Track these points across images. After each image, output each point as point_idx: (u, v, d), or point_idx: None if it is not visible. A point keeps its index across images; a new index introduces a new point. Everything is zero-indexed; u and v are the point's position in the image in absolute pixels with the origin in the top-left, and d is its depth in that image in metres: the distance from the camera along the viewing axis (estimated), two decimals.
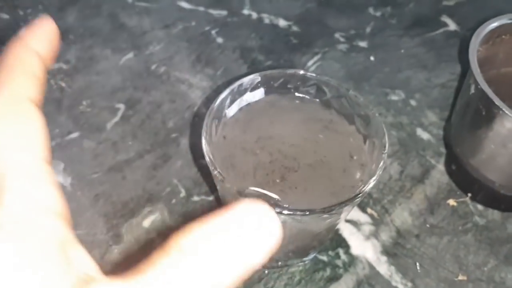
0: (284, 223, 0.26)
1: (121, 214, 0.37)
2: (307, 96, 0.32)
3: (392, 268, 0.35)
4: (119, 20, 0.52)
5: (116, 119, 0.43)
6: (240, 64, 0.48)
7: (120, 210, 0.37)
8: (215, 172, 0.26)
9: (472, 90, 0.34)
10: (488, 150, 0.35)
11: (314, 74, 0.31)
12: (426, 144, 0.42)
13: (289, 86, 0.32)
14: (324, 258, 0.35)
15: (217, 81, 0.46)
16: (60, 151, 0.41)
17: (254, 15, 0.53)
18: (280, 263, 0.34)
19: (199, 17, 0.52)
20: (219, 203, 0.37)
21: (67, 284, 0.14)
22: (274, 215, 0.15)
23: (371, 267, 0.35)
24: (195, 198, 0.38)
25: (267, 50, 0.49)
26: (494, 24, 0.37)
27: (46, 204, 0.15)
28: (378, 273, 0.35)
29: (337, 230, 0.37)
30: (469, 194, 0.39)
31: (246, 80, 0.31)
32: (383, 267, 0.35)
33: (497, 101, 0.31)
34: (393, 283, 0.34)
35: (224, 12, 0.53)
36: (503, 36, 0.38)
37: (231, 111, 0.31)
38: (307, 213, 0.25)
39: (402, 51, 0.50)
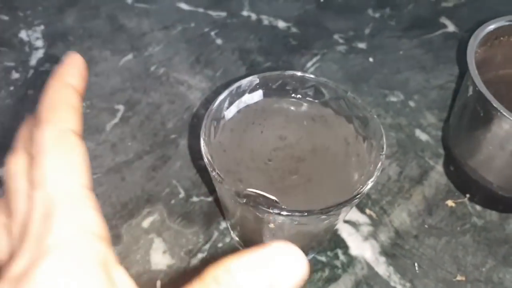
0: (282, 224, 0.27)
1: (120, 215, 0.37)
2: (305, 98, 0.32)
3: (391, 268, 0.35)
4: (118, 21, 0.52)
5: (116, 120, 0.43)
6: (239, 65, 0.48)
7: (120, 211, 0.37)
8: (214, 173, 0.26)
9: (470, 92, 0.34)
10: (486, 152, 0.35)
11: (312, 76, 0.32)
12: (425, 145, 0.42)
13: (287, 88, 0.32)
14: (323, 258, 0.35)
15: (216, 82, 0.46)
16: None
17: (253, 16, 0.53)
18: None
19: (198, 19, 0.53)
20: (218, 204, 0.38)
21: None
22: (303, 256, 0.17)
23: (370, 267, 0.35)
24: (194, 199, 0.38)
25: (266, 52, 0.49)
26: (492, 26, 0.37)
27: (90, 228, 0.16)
28: (376, 273, 0.35)
29: (336, 230, 0.37)
30: (467, 195, 0.39)
31: (244, 82, 0.31)
32: (382, 268, 0.35)
33: (495, 103, 0.32)
34: (392, 284, 0.34)
35: (223, 14, 0.53)
36: (501, 38, 0.38)
37: (229, 113, 0.31)
38: (306, 214, 0.25)
39: (401, 52, 0.50)
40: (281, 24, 0.53)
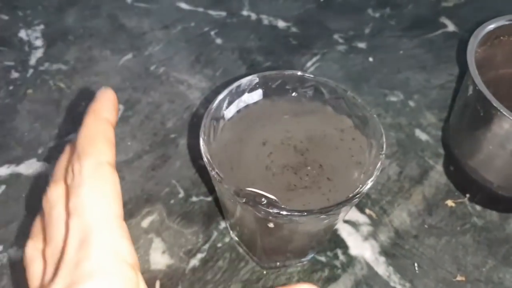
0: (282, 223, 0.27)
1: None
2: (305, 97, 0.32)
3: (391, 268, 0.35)
4: (119, 21, 0.52)
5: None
6: (239, 65, 0.48)
7: None
8: (213, 173, 0.26)
9: (470, 91, 0.34)
10: (486, 151, 0.35)
11: (312, 75, 0.31)
12: (425, 145, 0.42)
13: (287, 87, 0.32)
14: (323, 258, 0.35)
15: (216, 82, 0.46)
16: (59, 151, 0.40)
17: (253, 16, 0.53)
18: (278, 263, 0.34)
19: (198, 18, 0.53)
20: (217, 204, 0.37)
21: None
22: None
23: (370, 267, 0.35)
24: (194, 199, 0.38)
25: (266, 51, 0.49)
26: (492, 26, 0.37)
27: (123, 257, 0.18)
28: (376, 273, 0.35)
29: (336, 230, 0.37)
30: (468, 195, 0.39)
31: (244, 81, 0.31)
32: (382, 268, 0.35)
33: (495, 103, 0.32)
34: (392, 284, 0.34)
35: (223, 13, 0.53)
36: (501, 38, 0.38)
37: (229, 112, 0.31)
38: (305, 213, 0.25)
39: (401, 52, 0.50)
40: (281, 23, 0.53)
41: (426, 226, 0.37)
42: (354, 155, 0.30)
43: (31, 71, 0.47)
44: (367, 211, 0.38)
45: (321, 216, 0.26)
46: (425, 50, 0.50)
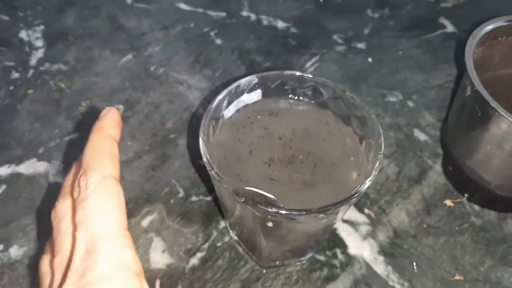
0: (280, 222, 0.27)
1: None
2: (304, 98, 0.32)
3: (389, 268, 0.35)
4: (118, 21, 0.52)
5: None
6: (239, 65, 0.48)
7: None
8: (212, 173, 0.26)
9: (468, 92, 0.35)
10: (484, 151, 0.35)
11: (311, 76, 0.32)
12: (423, 145, 0.43)
13: (286, 87, 0.32)
14: (322, 258, 0.35)
15: (215, 82, 0.46)
16: (59, 151, 0.41)
17: (253, 16, 0.53)
18: (277, 262, 0.34)
19: (197, 19, 0.53)
20: (217, 204, 0.38)
21: None
22: None
23: (368, 267, 0.35)
24: (193, 198, 0.38)
25: (265, 52, 0.50)
26: (490, 26, 0.37)
27: (127, 265, 0.19)
28: (375, 273, 0.35)
29: (334, 230, 0.37)
30: (466, 195, 0.39)
31: (243, 81, 0.31)
32: (380, 267, 0.35)
33: (493, 103, 0.32)
34: (390, 283, 0.34)
35: (222, 14, 0.53)
36: (499, 38, 0.38)
37: (228, 112, 0.31)
38: (304, 212, 0.25)
39: (400, 52, 0.50)
40: (281, 24, 0.53)
41: (424, 225, 0.37)
42: (352, 155, 0.30)
43: (31, 71, 0.47)
44: (366, 210, 0.38)
45: (320, 215, 0.26)
46: (423, 50, 0.50)
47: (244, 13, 0.54)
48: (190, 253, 0.35)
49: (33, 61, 0.48)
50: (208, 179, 0.38)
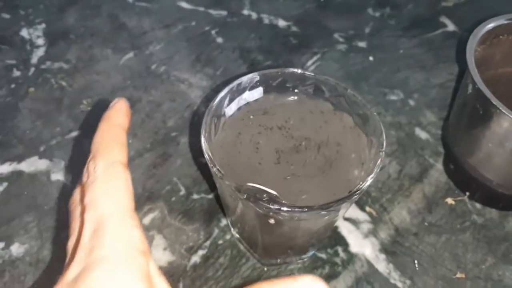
0: (282, 220, 0.27)
1: None
2: (305, 95, 0.32)
3: (391, 266, 0.35)
4: (119, 20, 0.52)
5: None
6: (240, 64, 0.48)
7: None
8: (214, 169, 0.26)
9: (470, 90, 0.35)
10: (486, 149, 0.35)
11: (312, 73, 0.32)
12: (425, 143, 0.43)
13: (287, 85, 0.32)
14: (323, 255, 0.35)
15: (216, 81, 0.47)
16: (60, 149, 0.41)
17: (254, 15, 0.53)
18: (279, 260, 0.34)
19: (199, 17, 0.53)
20: (218, 201, 0.38)
21: None
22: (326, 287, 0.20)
23: (370, 264, 0.35)
24: (195, 196, 0.38)
25: (266, 50, 0.50)
26: (491, 25, 0.37)
27: (134, 244, 0.19)
28: (376, 270, 0.35)
29: (336, 228, 0.37)
30: (467, 193, 0.39)
31: (245, 79, 0.31)
32: (382, 265, 0.35)
33: (494, 101, 0.32)
34: (392, 281, 0.34)
35: (223, 13, 0.53)
36: (501, 37, 0.38)
37: (230, 110, 0.31)
38: (306, 209, 0.25)
39: (401, 51, 0.50)
40: (282, 23, 0.53)
41: (426, 224, 0.37)
42: (354, 152, 0.30)
43: (32, 69, 0.47)
44: (368, 208, 0.38)
45: (322, 212, 0.26)
46: (424, 49, 0.50)
47: (245, 12, 0.54)
48: (192, 251, 0.35)
49: (34, 60, 0.48)
50: (209, 177, 0.38)
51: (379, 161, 0.28)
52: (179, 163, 0.40)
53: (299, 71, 0.32)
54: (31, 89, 0.45)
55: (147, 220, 0.37)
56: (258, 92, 0.32)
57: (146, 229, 0.36)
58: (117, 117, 0.24)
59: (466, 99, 0.36)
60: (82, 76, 0.47)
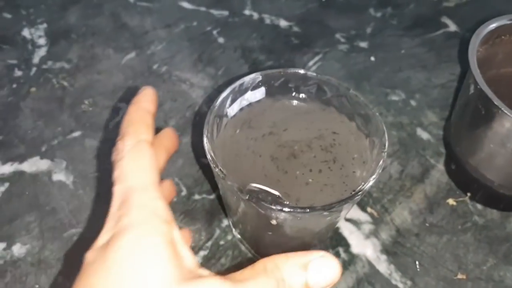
0: (284, 220, 0.27)
1: None
2: (307, 96, 0.32)
3: (392, 266, 0.35)
4: (121, 19, 0.52)
5: (118, 118, 0.43)
6: (241, 64, 0.48)
7: None
8: (217, 170, 0.26)
9: (472, 90, 0.35)
10: (487, 150, 0.35)
11: (314, 74, 0.32)
12: (426, 143, 0.42)
13: (290, 85, 0.32)
14: None
15: (218, 81, 0.46)
16: (62, 149, 0.41)
17: (255, 15, 0.53)
18: None
19: (200, 17, 0.53)
20: (220, 202, 0.38)
21: (177, 272, 0.19)
22: (337, 264, 0.22)
23: (371, 265, 0.35)
24: (196, 197, 0.38)
25: (268, 50, 0.50)
26: (493, 25, 0.37)
27: (158, 213, 0.21)
28: (378, 271, 0.35)
29: (337, 228, 0.37)
30: (469, 194, 0.39)
31: (247, 79, 0.31)
32: (383, 266, 0.35)
33: (496, 101, 0.32)
34: (393, 282, 0.34)
35: (225, 12, 0.53)
36: (503, 37, 0.38)
37: (232, 110, 0.31)
38: (308, 210, 0.25)
39: (403, 51, 0.50)
40: (283, 23, 0.53)
41: (427, 224, 0.37)
42: (356, 153, 0.30)
43: (34, 69, 0.47)
44: (369, 209, 0.38)
45: (324, 213, 0.26)
46: (426, 49, 0.50)
47: (247, 12, 0.54)
48: (193, 251, 0.35)
49: (36, 59, 0.48)
50: (211, 177, 0.38)
51: (381, 162, 0.28)
52: (181, 163, 0.40)
53: (302, 71, 0.32)
54: (33, 89, 0.45)
55: None
56: (260, 93, 0.32)
57: None
58: (144, 102, 0.26)
59: (468, 100, 0.36)
60: (83, 76, 0.47)
